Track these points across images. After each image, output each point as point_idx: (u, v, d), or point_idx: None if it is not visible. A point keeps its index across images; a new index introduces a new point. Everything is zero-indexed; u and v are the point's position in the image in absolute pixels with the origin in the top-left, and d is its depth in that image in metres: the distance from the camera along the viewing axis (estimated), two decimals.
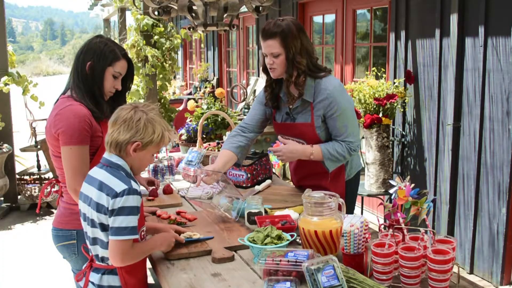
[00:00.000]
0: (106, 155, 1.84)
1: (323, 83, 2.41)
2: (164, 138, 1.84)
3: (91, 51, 2.14)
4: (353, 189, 2.69)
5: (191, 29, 3.17)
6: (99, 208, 1.75)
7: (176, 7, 2.94)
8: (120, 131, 1.78)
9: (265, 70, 2.52)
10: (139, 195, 1.76)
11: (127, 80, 2.29)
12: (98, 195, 1.76)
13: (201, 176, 2.38)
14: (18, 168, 6.12)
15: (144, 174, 3.00)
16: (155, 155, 3.24)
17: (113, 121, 1.81)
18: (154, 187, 2.71)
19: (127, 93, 2.34)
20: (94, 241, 1.82)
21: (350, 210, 2.60)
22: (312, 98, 2.43)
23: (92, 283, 1.85)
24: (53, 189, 2.57)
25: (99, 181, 1.78)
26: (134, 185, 1.76)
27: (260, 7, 3.11)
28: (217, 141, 3.71)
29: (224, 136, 4.06)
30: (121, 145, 1.78)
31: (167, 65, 6.21)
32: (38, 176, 5.83)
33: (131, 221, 1.73)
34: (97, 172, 1.82)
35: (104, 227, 1.77)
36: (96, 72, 2.14)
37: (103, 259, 1.83)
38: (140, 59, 5.93)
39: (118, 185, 1.73)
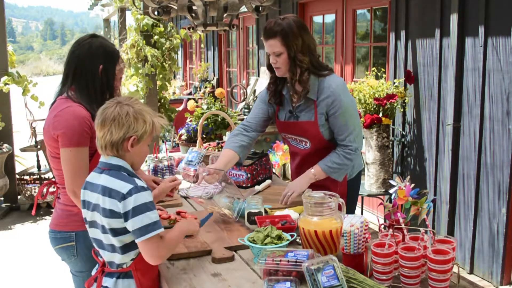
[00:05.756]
0: (103, 159, 1.79)
1: (327, 81, 2.42)
2: (155, 125, 1.80)
3: (99, 54, 2.12)
4: (354, 189, 2.69)
5: (191, 29, 3.16)
6: (108, 213, 1.70)
7: (176, 7, 2.94)
8: (112, 130, 1.72)
9: (269, 68, 2.54)
10: (147, 189, 1.72)
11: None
12: (104, 200, 1.71)
13: (202, 175, 2.38)
14: (18, 168, 6.12)
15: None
16: (155, 155, 3.25)
17: (101, 123, 1.74)
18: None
19: (119, 88, 2.31)
20: (111, 248, 1.77)
21: (351, 210, 2.60)
22: (315, 96, 2.44)
23: (106, 287, 1.81)
24: (50, 190, 2.57)
25: (102, 186, 1.73)
26: (139, 182, 1.72)
27: (260, 7, 3.11)
28: (217, 141, 3.71)
29: (224, 136, 4.06)
30: (117, 144, 1.73)
31: (167, 65, 6.21)
32: (38, 176, 5.83)
33: (151, 216, 1.67)
34: (97, 178, 1.78)
35: (116, 232, 1.72)
36: (110, 73, 2.14)
37: (119, 265, 1.78)
38: (140, 59, 5.93)
39: (123, 187, 1.69)
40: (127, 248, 1.75)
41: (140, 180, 1.74)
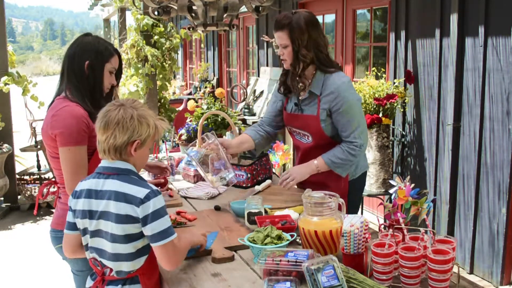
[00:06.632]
0: (107, 163, 1.74)
1: (332, 78, 2.46)
2: (158, 128, 1.78)
3: (87, 50, 2.13)
4: (357, 190, 2.68)
5: (191, 29, 3.17)
6: (123, 219, 1.66)
7: (176, 7, 2.94)
8: (116, 134, 1.68)
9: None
10: (161, 193, 1.70)
11: (117, 74, 2.27)
12: (118, 206, 1.66)
13: (209, 142, 2.50)
14: (18, 168, 6.12)
15: (146, 174, 2.98)
16: (155, 155, 3.25)
17: (103, 126, 1.70)
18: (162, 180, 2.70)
19: (116, 88, 2.32)
20: (116, 257, 1.72)
21: (353, 211, 2.59)
22: (319, 91, 2.47)
23: None
24: (50, 190, 2.57)
25: (114, 192, 1.68)
26: (153, 186, 1.70)
27: (260, 7, 3.11)
28: None
29: (224, 136, 4.06)
30: (121, 148, 1.70)
31: (167, 65, 6.21)
32: (38, 176, 5.83)
33: (167, 220, 1.67)
34: (101, 184, 1.72)
35: (130, 238, 1.69)
36: (96, 71, 2.14)
37: (128, 272, 1.75)
38: (140, 59, 5.93)
39: (139, 191, 1.65)
40: (139, 253, 1.73)
41: (151, 184, 1.73)
